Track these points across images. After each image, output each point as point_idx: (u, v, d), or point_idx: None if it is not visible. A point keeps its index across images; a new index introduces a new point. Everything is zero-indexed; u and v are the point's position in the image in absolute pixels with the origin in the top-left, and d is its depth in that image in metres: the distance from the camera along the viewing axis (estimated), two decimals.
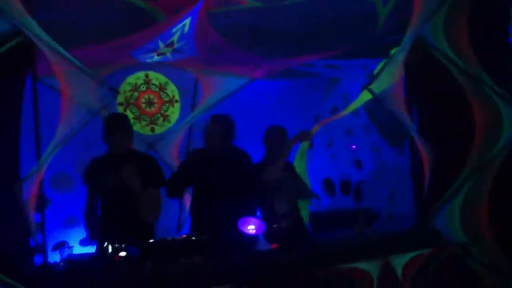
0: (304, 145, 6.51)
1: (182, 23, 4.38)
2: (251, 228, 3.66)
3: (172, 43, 4.78)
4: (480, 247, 4.18)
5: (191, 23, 4.45)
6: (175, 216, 5.68)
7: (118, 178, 4.00)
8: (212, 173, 4.19)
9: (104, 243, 3.69)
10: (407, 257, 3.86)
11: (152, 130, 5.84)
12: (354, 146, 6.73)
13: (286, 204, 4.46)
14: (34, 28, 3.19)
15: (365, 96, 5.03)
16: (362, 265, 3.68)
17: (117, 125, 4.04)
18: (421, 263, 3.87)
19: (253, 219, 3.74)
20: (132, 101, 5.76)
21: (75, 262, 3.60)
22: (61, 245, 4.08)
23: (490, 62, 4.13)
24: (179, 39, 4.72)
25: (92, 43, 4.47)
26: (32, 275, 3.32)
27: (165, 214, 4.55)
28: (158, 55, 5.07)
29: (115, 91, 3.48)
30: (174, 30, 4.46)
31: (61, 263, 3.65)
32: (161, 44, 4.75)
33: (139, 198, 4.04)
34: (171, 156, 5.74)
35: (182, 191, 4.70)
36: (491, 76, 4.10)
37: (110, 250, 3.60)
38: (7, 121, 3.23)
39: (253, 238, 3.66)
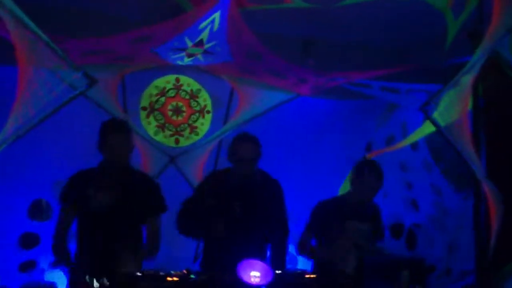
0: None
1: (211, 18, 3.70)
2: (254, 276, 2.87)
3: (201, 42, 4.11)
4: None
5: (221, 19, 3.77)
6: (193, 245, 4.90)
7: (111, 196, 3.45)
8: (236, 202, 3.63)
9: (78, 272, 3.17)
10: None
11: (177, 141, 5.18)
12: None
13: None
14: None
15: (428, 128, 4.39)
16: None
17: (117, 128, 3.56)
18: None
19: (259, 263, 2.95)
20: (157, 106, 5.15)
21: None
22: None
23: None
24: (209, 39, 4.05)
25: (107, 34, 3.90)
26: None
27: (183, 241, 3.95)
28: (188, 56, 4.43)
29: (91, 80, 2.82)
30: (201, 26, 3.79)
31: None
32: (188, 42, 4.10)
33: (134, 225, 3.52)
34: (195, 174, 5.04)
35: (196, 227, 3.82)
36: None
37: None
38: None
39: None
